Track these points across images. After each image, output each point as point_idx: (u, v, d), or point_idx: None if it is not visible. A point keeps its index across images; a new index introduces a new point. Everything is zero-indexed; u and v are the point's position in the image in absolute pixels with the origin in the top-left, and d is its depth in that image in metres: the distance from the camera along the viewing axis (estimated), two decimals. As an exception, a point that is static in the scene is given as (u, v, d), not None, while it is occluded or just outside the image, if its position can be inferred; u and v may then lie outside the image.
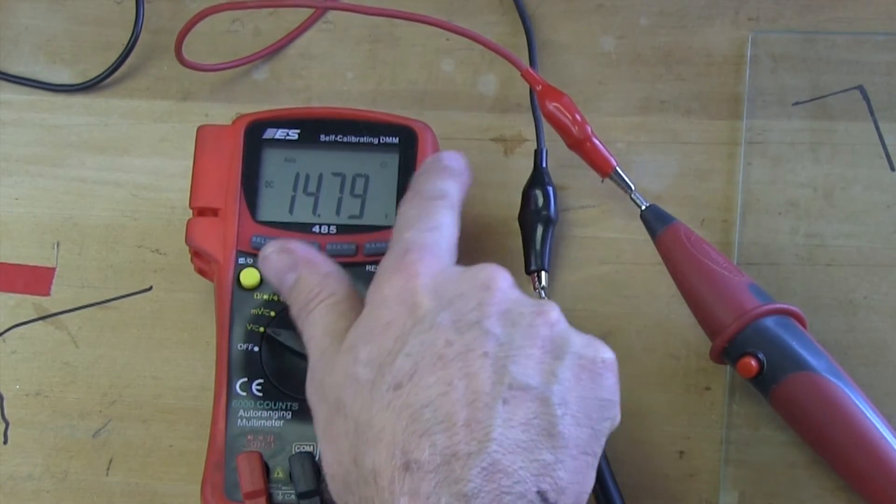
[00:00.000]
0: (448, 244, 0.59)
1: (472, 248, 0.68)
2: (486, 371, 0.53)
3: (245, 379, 0.63)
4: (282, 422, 0.62)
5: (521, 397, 0.53)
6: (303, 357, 0.62)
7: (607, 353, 0.56)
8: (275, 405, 0.63)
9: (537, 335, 0.54)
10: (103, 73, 0.73)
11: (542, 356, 0.54)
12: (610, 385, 0.55)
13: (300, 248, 0.60)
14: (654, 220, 0.65)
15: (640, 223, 0.66)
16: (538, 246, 0.68)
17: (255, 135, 0.66)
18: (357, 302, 0.58)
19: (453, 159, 0.62)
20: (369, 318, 0.56)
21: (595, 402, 0.54)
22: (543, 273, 0.68)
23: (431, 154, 0.66)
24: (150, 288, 0.70)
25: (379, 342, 0.54)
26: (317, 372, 0.57)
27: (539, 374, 0.53)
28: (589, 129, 0.66)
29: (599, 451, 0.55)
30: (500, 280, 0.56)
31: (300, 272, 0.59)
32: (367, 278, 0.64)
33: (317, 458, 0.60)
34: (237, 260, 0.65)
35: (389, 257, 0.57)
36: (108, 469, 0.67)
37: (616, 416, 0.56)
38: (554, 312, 0.56)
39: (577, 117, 0.66)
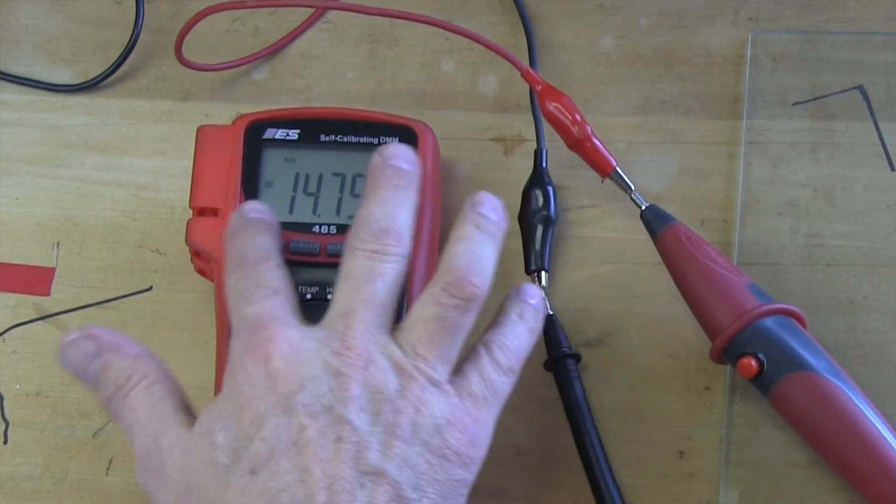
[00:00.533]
0: (291, 304, 0.57)
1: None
2: (341, 456, 0.53)
3: (245, 379, 0.63)
4: (282, 422, 0.62)
5: (378, 482, 0.53)
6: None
7: (455, 440, 0.55)
8: (275, 405, 0.63)
9: (397, 424, 0.54)
10: (103, 73, 0.73)
11: (396, 444, 0.54)
12: (460, 469, 0.55)
13: (103, 332, 0.58)
14: (654, 220, 0.65)
15: (640, 223, 0.66)
16: (538, 246, 0.68)
17: (255, 135, 0.66)
18: (173, 382, 0.58)
19: (258, 210, 0.61)
20: (225, 401, 0.55)
21: (449, 483, 0.55)
22: (543, 273, 0.68)
23: (431, 157, 0.66)
24: (150, 288, 0.70)
25: (235, 427, 0.54)
26: (151, 458, 0.56)
27: (393, 460, 0.53)
28: (589, 130, 0.66)
29: None
30: (355, 354, 0.55)
31: (106, 358, 0.57)
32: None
33: None
34: (237, 260, 0.65)
35: (239, 338, 0.56)
36: (108, 469, 0.67)
37: (470, 479, 0.56)
38: (419, 390, 0.55)
39: (577, 117, 0.66)
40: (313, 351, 0.55)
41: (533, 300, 0.60)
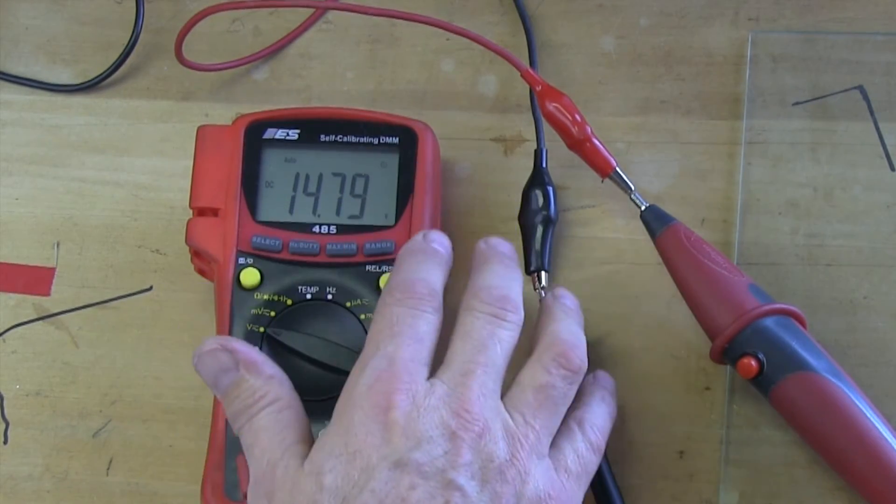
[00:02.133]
0: (428, 355, 0.58)
1: (472, 249, 0.68)
2: None
3: (245, 379, 0.63)
4: (282, 422, 0.62)
5: None
6: (303, 357, 0.62)
7: None
8: (275, 405, 0.63)
9: (503, 494, 0.55)
10: (103, 73, 0.73)
11: None
12: None
13: (242, 347, 0.59)
14: (654, 221, 0.65)
15: (640, 223, 0.66)
16: (538, 246, 0.68)
17: (255, 135, 0.66)
18: (301, 409, 0.58)
19: (442, 244, 0.61)
20: (336, 440, 0.55)
21: None
22: (543, 273, 0.68)
23: (431, 157, 0.66)
24: (150, 288, 0.70)
25: (345, 471, 0.54)
26: (265, 484, 0.56)
27: None
28: (589, 130, 0.66)
29: None
30: (472, 418, 0.55)
31: (241, 374, 0.58)
32: (367, 278, 0.64)
33: None
34: (237, 260, 0.65)
35: (366, 374, 0.56)
36: (108, 469, 0.67)
37: None
38: (525, 460, 0.56)
39: (577, 118, 0.66)
40: (433, 409, 0.56)
41: (609, 386, 0.63)
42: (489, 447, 0.55)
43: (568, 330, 0.60)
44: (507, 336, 0.58)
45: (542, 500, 0.56)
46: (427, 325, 0.58)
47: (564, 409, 0.59)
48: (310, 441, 0.57)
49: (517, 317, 0.59)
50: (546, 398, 0.58)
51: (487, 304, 0.59)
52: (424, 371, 0.57)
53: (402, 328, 0.57)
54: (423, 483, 0.54)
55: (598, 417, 0.61)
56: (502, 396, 0.57)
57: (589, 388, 0.62)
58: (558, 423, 0.58)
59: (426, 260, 0.60)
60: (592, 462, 0.60)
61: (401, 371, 0.56)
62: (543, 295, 0.67)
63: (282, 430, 0.57)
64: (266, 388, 0.58)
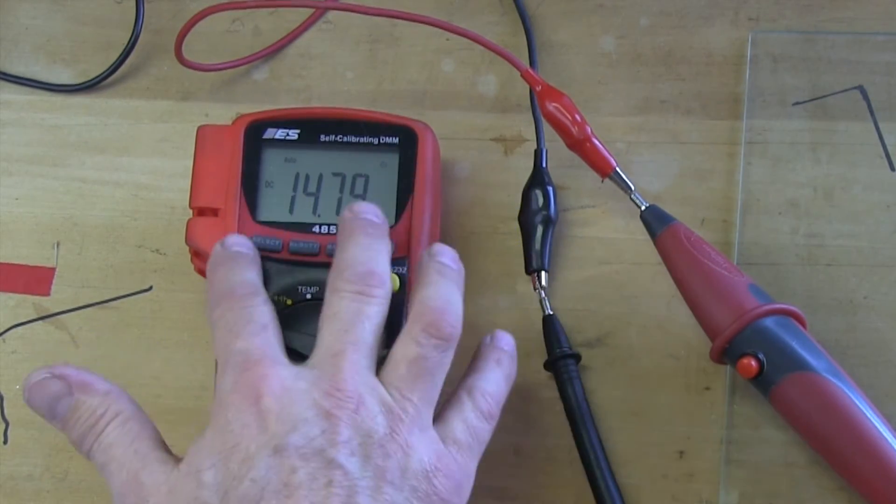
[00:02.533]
0: (279, 340, 0.58)
1: (472, 248, 0.69)
2: (332, 500, 0.53)
3: (245, 379, 0.63)
4: (282, 422, 0.62)
5: None
6: (303, 357, 0.62)
7: (441, 485, 0.56)
8: (275, 405, 0.63)
9: (386, 468, 0.54)
10: (103, 73, 0.73)
11: (386, 488, 0.54)
12: None
13: (71, 371, 0.58)
14: (654, 221, 0.65)
15: (640, 223, 0.66)
16: (538, 246, 0.68)
17: (255, 135, 0.66)
18: (144, 418, 0.58)
19: (241, 244, 0.61)
20: (213, 438, 0.55)
21: None
22: (543, 273, 0.68)
23: (431, 157, 0.66)
24: (150, 288, 0.70)
25: (224, 465, 0.54)
26: (131, 495, 0.56)
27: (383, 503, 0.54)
28: (589, 130, 0.66)
29: None
30: (346, 395, 0.55)
31: (76, 397, 0.57)
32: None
33: None
34: (237, 260, 0.65)
35: (228, 374, 0.56)
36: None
37: None
38: (407, 433, 0.55)
39: (577, 118, 0.66)
40: (304, 391, 0.55)
41: (508, 347, 0.62)
42: (367, 423, 0.55)
43: (438, 295, 0.58)
44: (375, 311, 0.58)
45: (428, 473, 0.55)
46: (262, 314, 0.58)
47: (442, 378, 0.58)
48: (166, 448, 0.57)
49: (384, 290, 0.58)
50: (420, 369, 0.57)
51: (352, 283, 0.58)
52: (282, 355, 0.57)
53: (241, 325, 0.57)
54: (304, 465, 0.53)
55: (491, 384, 0.60)
56: (378, 373, 0.57)
57: (484, 351, 0.61)
58: (437, 393, 0.58)
59: (233, 265, 0.60)
60: (484, 430, 0.59)
61: (260, 359, 0.56)
62: (543, 296, 0.67)
63: (134, 441, 0.56)
64: (105, 403, 0.57)
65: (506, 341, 0.62)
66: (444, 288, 0.59)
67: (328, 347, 0.57)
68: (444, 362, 0.58)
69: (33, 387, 0.58)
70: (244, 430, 0.54)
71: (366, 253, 0.59)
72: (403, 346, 0.58)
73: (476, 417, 0.58)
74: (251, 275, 0.60)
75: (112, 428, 0.57)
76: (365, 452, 0.54)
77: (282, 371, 0.56)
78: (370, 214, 0.61)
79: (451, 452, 0.57)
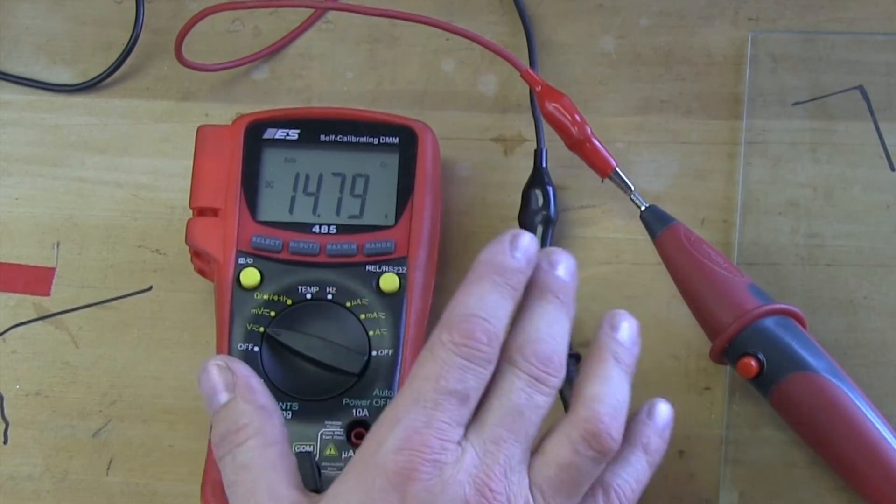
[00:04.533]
0: (469, 414, 0.54)
1: (472, 248, 0.69)
2: None
3: (245, 379, 0.63)
4: (282, 422, 0.62)
5: None
6: (303, 357, 0.62)
7: None
8: (275, 405, 0.63)
9: None
10: (103, 73, 0.73)
11: None
12: None
13: (243, 370, 0.57)
14: (654, 221, 0.65)
15: (640, 223, 0.66)
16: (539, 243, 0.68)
17: (255, 135, 0.66)
18: (287, 448, 0.56)
19: (528, 255, 0.56)
20: (352, 498, 0.53)
21: None
22: (543, 273, 0.67)
23: (431, 157, 0.66)
24: (150, 288, 0.70)
25: None
26: None
27: None
28: (588, 130, 0.66)
29: None
30: (495, 498, 0.53)
31: (236, 394, 0.56)
32: (367, 278, 0.64)
33: (316, 459, 0.60)
34: (237, 260, 0.65)
35: (397, 430, 0.53)
36: (108, 469, 0.67)
37: None
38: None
39: (577, 118, 0.66)
40: (457, 484, 0.53)
41: (662, 424, 0.58)
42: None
43: (609, 397, 0.55)
44: (544, 402, 0.54)
45: None
46: (477, 380, 0.54)
47: (589, 484, 0.55)
48: (298, 486, 0.55)
49: (558, 380, 0.55)
50: (570, 477, 0.54)
51: (531, 365, 0.54)
52: (460, 433, 0.54)
53: (450, 383, 0.53)
54: None
55: (629, 478, 0.57)
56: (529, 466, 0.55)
57: (633, 432, 0.57)
58: (581, 497, 0.55)
59: (498, 287, 0.55)
60: None
61: (435, 437, 0.53)
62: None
63: (269, 471, 0.55)
64: (256, 417, 0.56)
65: (661, 417, 0.58)
66: (616, 386, 0.56)
67: (492, 430, 0.54)
68: (595, 472, 0.55)
69: (204, 372, 0.57)
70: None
71: (552, 330, 0.55)
72: (558, 448, 0.54)
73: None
74: (503, 313, 0.55)
75: (251, 446, 0.55)
76: None
77: (446, 456, 0.53)
78: (568, 275, 0.56)
79: None
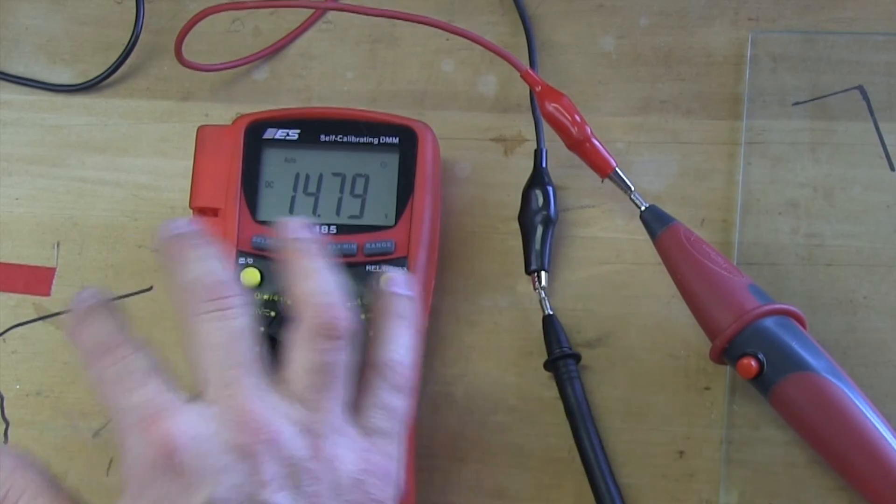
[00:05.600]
0: (170, 382, 0.53)
1: (472, 248, 0.69)
2: None
3: (245, 379, 0.63)
4: (282, 422, 0.62)
5: None
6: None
7: (374, 487, 0.54)
8: (275, 405, 0.63)
9: (318, 494, 0.52)
10: (103, 73, 0.73)
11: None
12: None
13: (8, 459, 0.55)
14: (654, 221, 0.65)
15: (640, 223, 0.66)
16: (538, 246, 0.68)
17: (255, 135, 0.67)
18: (56, 489, 0.54)
19: (92, 296, 0.56)
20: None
21: None
22: (543, 273, 0.68)
23: (431, 157, 0.66)
24: (150, 288, 0.70)
25: None
26: None
27: None
28: (588, 130, 0.66)
29: None
30: (256, 425, 0.52)
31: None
32: (367, 278, 0.64)
33: None
34: (237, 260, 0.65)
35: (130, 434, 0.52)
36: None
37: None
38: (329, 446, 0.53)
39: (577, 118, 0.66)
40: (214, 434, 0.52)
41: (404, 290, 0.58)
42: (287, 450, 0.52)
43: (319, 287, 0.55)
44: (242, 324, 0.54)
45: (360, 482, 0.53)
46: (143, 359, 0.54)
47: (348, 373, 0.55)
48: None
49: (240, 297, 0.54)
50: (324, 374, 0.54)
51: (205, 301, 0.54)
52: (178, 399, 0.53)
53: (124, 379, 0.53)
54: None
55: (399, 349, 0.57)
56: (281, 385, 0.54)
57: (383, 306, 0.58)
58: (345, 388, 0.55)
59: (91, 320, 0.55)
60: (402, 405, 0.56)
61: (160, 410, 0.52)
62: (543, 296, 0.67)
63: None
64: (10, 480, 0.54)
65: (400, 283, 0.58)
66: (322, 277, 0.56)
67: (217, 379, 0.53)
68: (345, 360, 0.55)
69: None
70: (166, 494, 0.51)
71: (202, 265, 0.55)
72: (301, 355, 0.54)
73: (390, 396, 0.56)
74: (114, 324, 0.55)
75: None
76: (294, 483, 0.52)
77: (184, 417, 0.52)
78: (183, 228, 0.56)
79: (375, 445, 0.55)
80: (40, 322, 0.70)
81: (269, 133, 0.67)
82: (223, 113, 0.72)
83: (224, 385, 0.53)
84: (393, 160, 0.66)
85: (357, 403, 0.56)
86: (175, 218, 0.56)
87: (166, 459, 0.51)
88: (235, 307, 0.54)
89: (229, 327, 0.54)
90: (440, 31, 0.70)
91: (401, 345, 0.57)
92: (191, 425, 0.52)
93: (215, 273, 0.55)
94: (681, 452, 0.65)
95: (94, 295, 0.56)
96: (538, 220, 0.68)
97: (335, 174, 0.66)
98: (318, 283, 0.56)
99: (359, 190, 0.66)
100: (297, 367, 0.54)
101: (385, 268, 0.61)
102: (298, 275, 0.56)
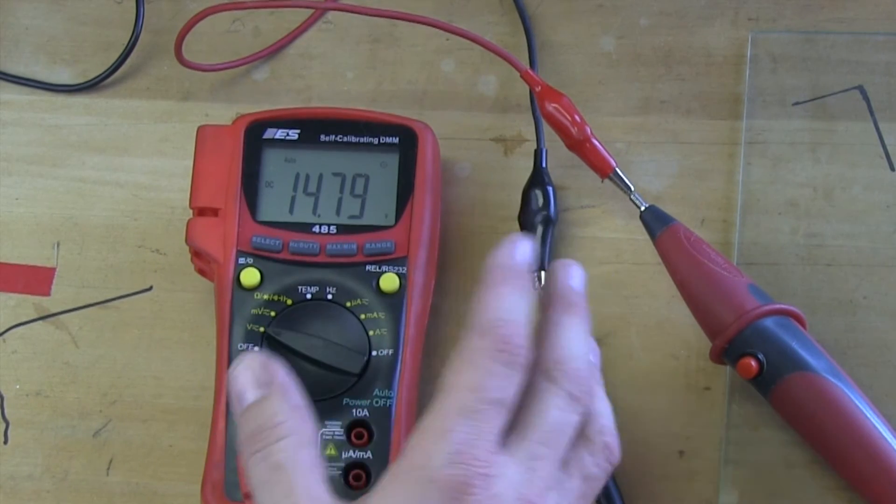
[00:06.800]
0: (510, 420, 0.53)
1: (472, 248, 0.69)
2: None
3: (245, 379, 0.63)
4: (282, 422, 0.62)
5: None
6: (303, 357, 0.62)
7: None
8: (275, 405, 0.63)
9: None
10: (103, 73, 0.73)
11: None
12: None
13: (281, 369, 0.53)
14: (654, 221, 0.65)
15: (640, 223, 0.66)
16: (538, 246, 0.68)
17: (255, 135, 0.67)
18: (318, 453, 0.53)
19: (525, 255, 0.55)
20: None
21: None
22: (543, 273, 0.68)
23: (431, 157, 0.66)
24: (151, 288, 0.70)
25: None
26: None
27: None
28: (588, 130, 0.66)
29: None
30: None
31: (271, 392, 0.53)
32: (367, 278, 0.64)
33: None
34: (237, 260, 0.65)
35: (448, 440, 0.51)
36: (108, 469, 0.67)
37: None
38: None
39: (577, 118, 0.66)
40: (505, 499, 0.51)
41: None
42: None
43: (607, 411, 0.56)
44: (577, 423, 0.54)
45: None
46: (516, 387, 0.52)
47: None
48: (331, 491, 0.52)
49: (590, 401, 0.55)
50: (590, 489, 0.55)
51: (571, 383, 0.54)
52: (501, 443, 0.52)
53: (493, 392, 0.52)
54: None
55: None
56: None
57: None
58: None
59: (517, 290, 0.54)
60: (605, 474, 0.56)
61: (485, 450, 0.51)
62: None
63: (309, 475, 0.52)
64: (291, 416, 0.52)
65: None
66: (584, 338, 0.55)
67: (532, 447, 0.53)
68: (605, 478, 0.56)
69: (238, 365, 0.54)
70: None
71: (584, 346, 0.55)
72: (580, 462, 0.55)
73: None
74: (526, 314, 0.54)
75: (286, 444, 0.52)
76: None
77: (494, 469, 0.51)
78: (584, 288, 0.56)
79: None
80: (40, 322, 0.70)
81: (269, 133, 0.67)
82: (223, 113, 0.72)
83: (532, 457, 0.53)
84: (393, 160, 0.66)
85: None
86: (580, 273, 0.56)
87: (455, 496, 0.50)
88: (583, 406, 0.54)
89: (569, 419, 0.54)
90: (440, 31, 0.70)
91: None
92: (491, 481, 0.51)
93: (589, 363, 0.55)
94: (681, 452, 0.65)
95: (527, 254, 0.55)
96: (538, 220, 0.68)
97: (335, 174, 0.66)
98: (578, 345, 0.55)
99: (359, 190, 0.66)
100: (573, 472, 0.54)
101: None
102: (562, 331, 0.55)
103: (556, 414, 0.53)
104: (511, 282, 0.54)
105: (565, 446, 0.54)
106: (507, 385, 0.52)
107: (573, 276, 0.56)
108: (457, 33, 0.69)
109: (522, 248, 0.55)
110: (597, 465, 0.55)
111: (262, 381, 0.53)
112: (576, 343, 0.55)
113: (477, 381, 0.52)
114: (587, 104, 0.70)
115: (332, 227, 0.65)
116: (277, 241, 0.65)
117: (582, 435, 0.55)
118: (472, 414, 0.51)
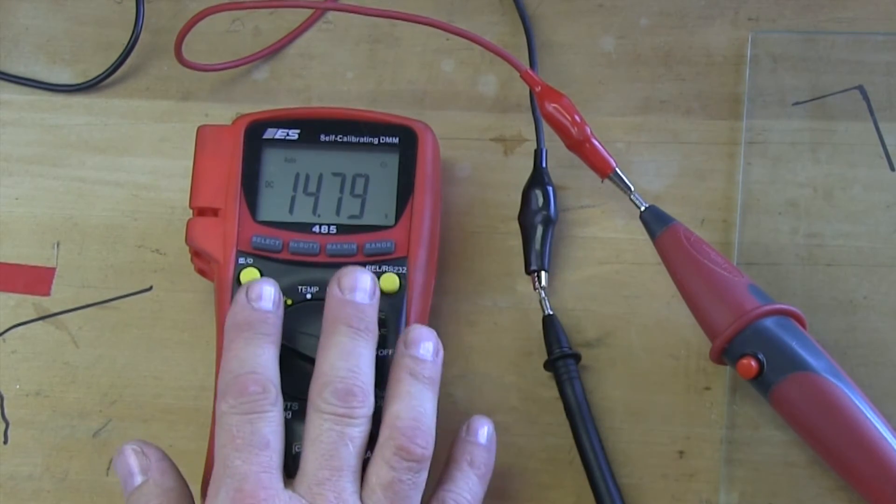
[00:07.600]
0: (278, 458, 0.58)
1: (472, 248, 0.69)
2: None
3: (245, 379, 0.63)
4: (282, 422, 0.62)
5: None
6: (302, 357, 0.62)
7: None
8: (275, 405, 0.63)
9: None
10: (103, 73, 0.73)
11: None
12: None
13: (156, 453, 0.60)
14: (654, 222, 0.65)
15: (639, 223, 0.66)
16: (538, 246, 0.68)
17: (255, 135, 0.66)
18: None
19: (267, 299, 0.61)
20: None
21: None
22: (543, 273, 0.68)
23: (431, 157, 0.66)
24: (151, 288, 0.70)
25: None
26: None
27: None
28: (588, 131, 0.66)
29: None
30: None
31: (149, 476, 0.59)
32: (367, 278, 0.64)
33: None
34: (237, 260, 0.65)
35: (220, 496, 0.56)
36: (108, 469, 0.67)
37: None
38: None
39: (577, 118, 0.66)
40: None
41: (482, 439, 0.62)
42: None
43: (409, 410, 0.58)
44: (357, 433, 0.58)
45: None
46: (269, 424, 0.57)
47: (419, 495, 0.58)
48: None
49: (366, 409, 0.58)
50: (396, 494, 0.57)
51: (332, 404, 0.58)
52: (279, 479, 0.57)
53: (245, 438, 0.57)
54: None
55: (464, 492, 0.60)
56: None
57: (456, 452, 0.61)
58: None
59: (254, 337, 0.59)
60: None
61: (256, 488, 0.56)
62: (543, 296, 0.67)
63: None
64: (163, 497, 0.59)
65: (480, 434, 0.62)
66: (416, 399, 0.59)
67: (313, 475, 0.57)
68: (418, 482, 0.58)
69: (120, 452, 0.60)
70: None
71: (348, 362, 0.59)
72: (377, 470, 0.58)
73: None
74: (267, 357, 0.59)
75: None
76: None
77: (276, 502, 0.56)
78: (360, 294, 0.61)
79: None
80: (40, 322, 0.70)
81: (269, 133, 0.67)
82: (223, 113, 0.72)
83: (316, 483, 0.57)
84: (393, 160, 0.66)
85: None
86: (368, 280, 0.61)
87: None
88: (357, 418, 0.58)
89: (343, 433, 0.58)
90: (440, 31, 0.70)
91: (468, 489, 0.61)
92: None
93: (353, 376, 0.58)
94: (681, 452, 0.65)
95: (270, 299, 0.61)
96: (538, 220, 0.68)
97: (335, 174, 0.66)
98: (410, 403, 0.59)
99: (359, 190, 0.66)
100: (374, 482, 0.58)
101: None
102: (395, 390, 0.59)
103: (326, 437, 0.58)
104: (243, 336, 0.60)
105: (350, 460, 0.57)
106: (258, 427, 0.57)
107: (345, 287, 0.61)
108: (457, 33, 0.69)
109: (256, 293, 0.61)
110: (392, 469, 0.57)
111: (142, 466, 0.60)
112: (336, 363, 0.59)
113: (229, 438, 0.57)
114: (587, 104, 0.70)
115: (332, 227, 0.65)
116: (277, 241, 0.65)
117: (378, 444, 0.58)
118: (233, 463, 0.57)
